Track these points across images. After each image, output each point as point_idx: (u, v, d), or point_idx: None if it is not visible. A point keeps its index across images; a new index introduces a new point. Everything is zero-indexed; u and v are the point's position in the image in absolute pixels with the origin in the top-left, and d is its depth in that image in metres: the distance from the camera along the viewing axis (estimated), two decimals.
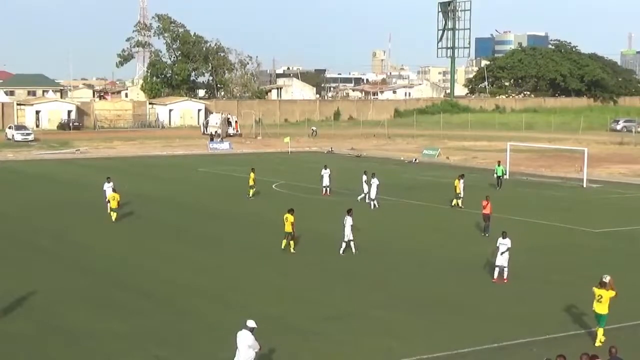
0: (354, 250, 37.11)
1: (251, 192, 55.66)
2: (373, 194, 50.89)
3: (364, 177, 52.63)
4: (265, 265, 35.36)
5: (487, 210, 42.81)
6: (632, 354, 22.26)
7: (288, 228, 37.52)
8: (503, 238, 32.57)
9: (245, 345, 20.57)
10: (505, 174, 63.53)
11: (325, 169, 57.69)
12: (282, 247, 37.77)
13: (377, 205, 50.47)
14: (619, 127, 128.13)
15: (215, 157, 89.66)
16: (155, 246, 39.55)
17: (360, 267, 34.99)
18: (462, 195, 50.90)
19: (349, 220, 36.96)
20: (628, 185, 65.92)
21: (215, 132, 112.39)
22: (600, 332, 24.74)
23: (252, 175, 55.80)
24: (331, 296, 30.24)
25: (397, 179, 66.44)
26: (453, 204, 51.03)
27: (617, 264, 34.73)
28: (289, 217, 37.47)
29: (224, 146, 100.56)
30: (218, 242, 40.70)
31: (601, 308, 24.74)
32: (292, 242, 37.82)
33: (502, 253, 32.18)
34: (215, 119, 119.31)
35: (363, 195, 52.02)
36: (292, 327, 25.77)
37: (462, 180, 51.46)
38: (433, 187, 62.61)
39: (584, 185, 63.63)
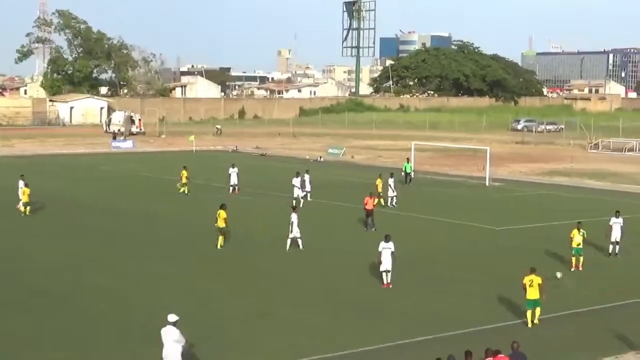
0: (300, 246, 37.49)
1: (185, 189, 55.93)
2: (307, 189, 51.94)
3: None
4: (172, 264, 34.90)
5: (369, 206, 43.37)
6: (537, 348, 22.58)
7: (221, 224, 37.87)
8: (386, 242, 31.40)
9: (172, 340, 20.36)
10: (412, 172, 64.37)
11: (233, 168, 57.58)
12: (217, 246, 37.82)
13: (307, 200, 51.79)
14: (519, 126, 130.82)
15: (119, 155, 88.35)
16: (59, 245, 38.69)
17: (271, 266, 34.86)
18: (395, 194, 51.26)
19: (294, 217, 37.42)
20: (528, 183, 67.23)
21: (119, 130, 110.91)
22: (537, 313, 26.51)
23: (184, 172, 56.11)
24: (241, 295, 30.02)
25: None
26: (386, 204, 51.13)
27: (519, 262, 35.18)
28: (222, 213, 37.86)
29: (127, 145, 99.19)
30: (123, 240, 40.04)
31: (533, 293, 26.38)
32: (221, 238, 38.01)
33: (386, 257, 31.14)
34: (118, 117, 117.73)
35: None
36: (198, 326, 25.35)
37: (392, 179, 51.92)
38: (339, 185, 62.75)
39: (487, 184, 64.60)
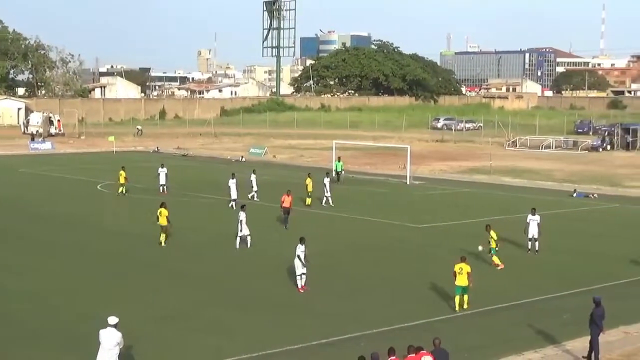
0: (249, 245, 37.87)
1: (123, 189, 55.89)
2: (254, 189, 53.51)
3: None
4: (94, 267, 34.52)
5: (286, 204, 43.64)
6: (459, 344, 22.97)
7: (163, 222, 38.37)
8: (301, 244, 30.93)
9: (113, 343, 20.11)
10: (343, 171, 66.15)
11: (162, 168, 57.65)
12: (161, 243, 38.35)
13: (254, 200, 52.80)
14: (439, 125, 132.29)
15: (37, 157, 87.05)
16: None
17: (193, 267, 34.73)
18: (330, 194, 51.69)
19: (242, 216, 37.68)
20: (448, 181, 68.12)
21: (37, 131, 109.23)
22: (465, 299, 28.31)
23: (122, 173, 55.92)
24: (163, 296, 29.85)
25: (224, 178, 66.23)
26: (307, 203, 51.42)
27: (441, 258, 35.75)
28: (163, 212, 38.36)
29: (46, 146, 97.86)
30: (43, 244, 39.42)
31: (462, 280, 28.16)
32: (164, 235, 38.51)
33: (301, 259, 30.50)
34: (36, 118, 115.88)
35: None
36: (121, 328, 25.20)
37: (327, 179, 52.33)
38: (261, 185, 62.66)
39: (408, 182, 65.29)
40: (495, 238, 35.09)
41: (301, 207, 49.96)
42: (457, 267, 28.36)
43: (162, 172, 57.14)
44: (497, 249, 35.15)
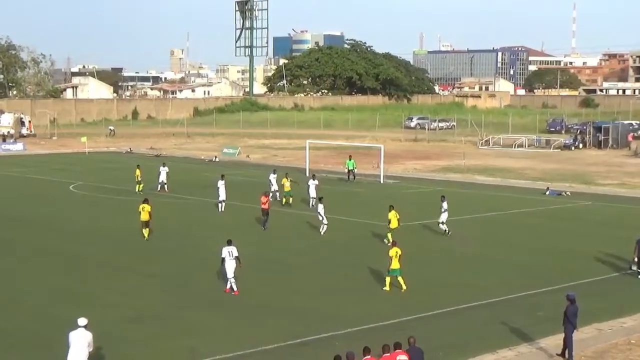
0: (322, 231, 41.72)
1: (140, 187, 56.45)
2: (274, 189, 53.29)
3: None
4: (62, 269, 34.31)
5: (265, 206, 43.68)
6: (433, 342, 22.99)
7: (145, 217, 39.31)
8: (229, 245, 30.38)
9: (85, 344, 20.06)
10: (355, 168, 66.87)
11: (164, 167, 58.42)
12: (145, 237, 39.51)
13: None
14: (412, 124, 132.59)
15: (8, 158, 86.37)
16: None
17: (164, 268, 34.55)
18: (314, 196, 50.54)
19: (321, 208, 41.74)
20: (421, 180, 68.19)
21: (8, 132, 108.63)
22: (401, 280, 30.35)
23: (138, 172, 56.78)
24: (134, 298, 29.68)
25: (198, 178, 66.16)
26: (283, 202, 51.59)
27: (413, 258, 35.73)
28: (146, 207, 39.32)
29: (17, 147, 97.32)
30: (11, 245, 39.15)
31: (397, 263, 30.28)
32: (146, 230, 39.54)
33: (229, 261, 29.92)
34: (7, 119, 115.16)
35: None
36: (92, 330, 25.05)
37: (314, 181, 51.41)
38: (233, 185, 62.58)
39: (381, 182, 65.30)
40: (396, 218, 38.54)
41: (279, 207, 49.95)
42: (392, 252, 30.28)
43: (164, 170, 58.00)
44: (394, 229, 38.07)
